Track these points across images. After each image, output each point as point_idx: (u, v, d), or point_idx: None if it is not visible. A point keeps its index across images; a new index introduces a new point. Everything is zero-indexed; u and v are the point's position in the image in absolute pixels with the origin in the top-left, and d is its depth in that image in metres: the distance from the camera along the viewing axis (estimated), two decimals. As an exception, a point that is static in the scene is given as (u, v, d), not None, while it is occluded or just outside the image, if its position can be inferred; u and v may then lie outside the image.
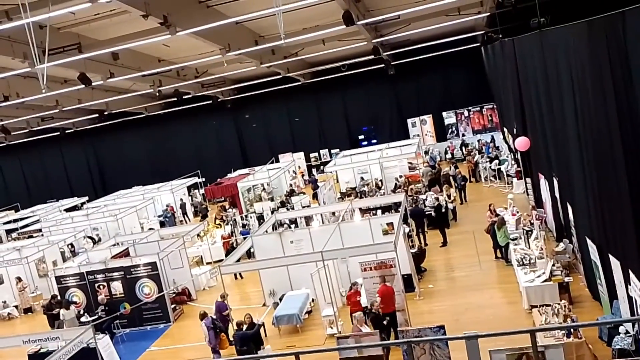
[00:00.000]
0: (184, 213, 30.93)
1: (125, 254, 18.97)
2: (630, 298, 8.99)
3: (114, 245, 20.63)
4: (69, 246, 24.07)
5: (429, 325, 10.44)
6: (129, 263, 17.04)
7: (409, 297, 13.59)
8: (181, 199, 31.61)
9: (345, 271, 15.09)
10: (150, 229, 24.73)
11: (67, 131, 36.08)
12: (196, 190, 34.89)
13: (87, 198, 36.54)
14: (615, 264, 9.48)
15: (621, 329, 9.33)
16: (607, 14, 7.61)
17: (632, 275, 8.60)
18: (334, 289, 13.81)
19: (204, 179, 34.94)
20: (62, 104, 25.73)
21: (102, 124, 35.26)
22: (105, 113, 32.06)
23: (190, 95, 31.32)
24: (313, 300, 15.06)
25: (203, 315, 13.39)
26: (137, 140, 39.33)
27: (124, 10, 14.02)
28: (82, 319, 16.12)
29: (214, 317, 13.52)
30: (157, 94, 26.28)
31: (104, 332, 14.96)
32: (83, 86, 17.92)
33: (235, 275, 18.90)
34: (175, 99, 28.81)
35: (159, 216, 29.39)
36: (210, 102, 34.11)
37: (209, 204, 32.54)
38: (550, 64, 12.39)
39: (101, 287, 16.84)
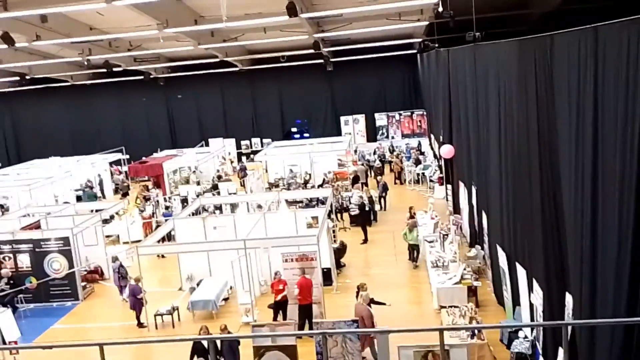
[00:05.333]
0: (102, 189, 29.71)
1: (36, 226, 18.04)
2: (531, 305, 9.60)
3: (25, 216, 19.54)
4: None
5: (343, 318, 10.71)
6: (40, 236, 16.26)
7: (326, 290, 13.80)
8: (99, 175, 30.29)
9: (267, 261, 15.09)
10: (65, 202, 23.62)
11: (-19, 92, 33.77)
12: (118, 167, 33.58)
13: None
14: (521, 272, 10.07)
15: (520, 333, 9.94)
16: (537, 35, 8.05)
17: (535, 284, 9.17)
18: (253, 277, 13.79)
19: (128, 156, 33.72)
20: (-21, 62, 24.07)
21: (22, 88, 33.20)
22: (27, 77, 30.21)
23: (121, 68, 30.07)
24: (231, 287, 14.96)
25: (114, 259, 16.01)
26: (59, 109, 37.38)
27: (58, -30, 13.29)
28: (-17, 291, 15.21)
29: (123, 264, 15.64)
30: (86, 62, 25.11)
31: (6, 305, 14.20)
32: (5, 46, 16.85)
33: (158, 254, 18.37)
34: (105, 70, 27.56)
35: (77, 190, 28.07)
36: (142, 77, 32.91)
37: (131, 182, 31.48)
38: (481, 77, 12.94)
39: (7, 258, 15.96)
